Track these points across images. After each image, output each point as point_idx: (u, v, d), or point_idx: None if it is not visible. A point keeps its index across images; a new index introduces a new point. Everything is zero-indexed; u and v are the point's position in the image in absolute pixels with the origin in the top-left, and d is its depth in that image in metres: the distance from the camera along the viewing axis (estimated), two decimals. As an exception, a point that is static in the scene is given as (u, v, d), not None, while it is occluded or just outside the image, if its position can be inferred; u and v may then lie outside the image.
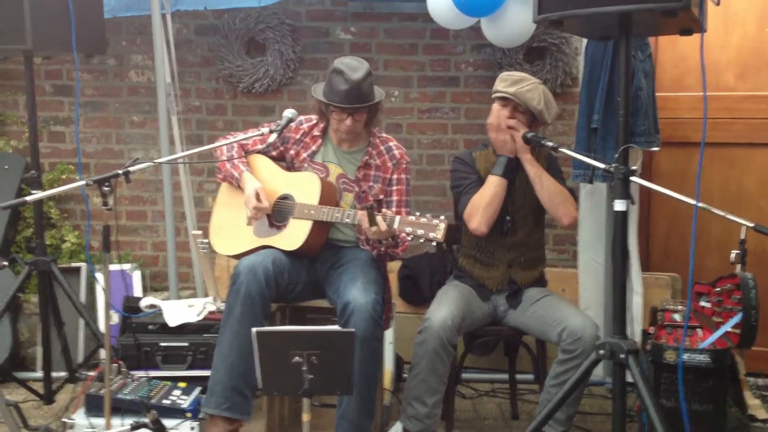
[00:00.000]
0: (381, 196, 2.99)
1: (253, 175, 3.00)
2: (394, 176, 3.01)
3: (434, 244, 2.60)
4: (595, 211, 3.66)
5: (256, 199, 2.90)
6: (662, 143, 3.53)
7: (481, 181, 2.98)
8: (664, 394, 2.78)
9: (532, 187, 2.95)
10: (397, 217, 2.62)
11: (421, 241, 2.58)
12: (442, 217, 2.57)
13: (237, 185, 3.02)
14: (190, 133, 4.28)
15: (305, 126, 3.07)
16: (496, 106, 2.97)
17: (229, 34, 4.25)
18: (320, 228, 2.90)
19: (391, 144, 3.05)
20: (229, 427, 2.72)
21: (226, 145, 3.01)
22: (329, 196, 2.92)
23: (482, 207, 2.90)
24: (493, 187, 2.91)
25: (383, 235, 2.66)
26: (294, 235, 2.88)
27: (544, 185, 2.92)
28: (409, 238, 2.66)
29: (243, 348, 2.65)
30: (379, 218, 2.61)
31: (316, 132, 3.05)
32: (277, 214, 2.97)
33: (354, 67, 2.84)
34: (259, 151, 3.05)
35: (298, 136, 3.05)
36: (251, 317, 2.68)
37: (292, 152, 3.06)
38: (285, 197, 2.97)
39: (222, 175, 3.08)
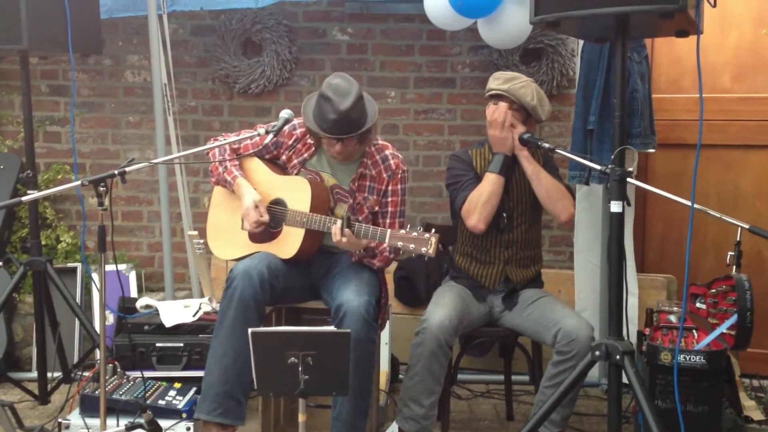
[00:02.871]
0: (376, 208, 2.95)
1: (246, 180, 2.93)
2: (390, 188, 2.94)
3: (426, 259, 2.60)
4: (591, 213, 3.67)
5: (256, 213, 2.84)
6: (658, 145, 3.55)
7: (478, 179, 2.98)
8: (659, 395, 2.78)
9: (529, 185, 2.96)
10: (388, 231, 2.60)
11: (413, 255, 2.57)
12: (433, 231, 2.55)
13: (231, 189, 2.98)
14: (186, 133, 4.28)
15: (298, 131, 2.97)
16: (492, 105, 2.97)
17: (225, 34, 4.25)
18: (313, 235, 2.86)
19: (387, 153, 2.96)
20: None
21: (218, 147, 2.96)
22: (320, 201, 2.87)
23: (480, 204, 2.90)
24: (490, 184, 2.91)
25: (351, 246, 2.69)
26: (288, 242, 2.85)
27: (542, 181, 2.92)
28: (401, 253, 2.64)
29: (236, 352, 2.63)
30: (346, 230, 2.63)
31: (309, 139, 2.96)
32: (271, 219, 2.91)
33: (343, 92, 2.71)
34: (251, 155, 2.99)
35: (290, 142, 2.97)
36: (245, 322, 2.63)
37: (283, 157, 3.00)
38: (277, 202, 2.92)
39: (215, 179, 3.02)
